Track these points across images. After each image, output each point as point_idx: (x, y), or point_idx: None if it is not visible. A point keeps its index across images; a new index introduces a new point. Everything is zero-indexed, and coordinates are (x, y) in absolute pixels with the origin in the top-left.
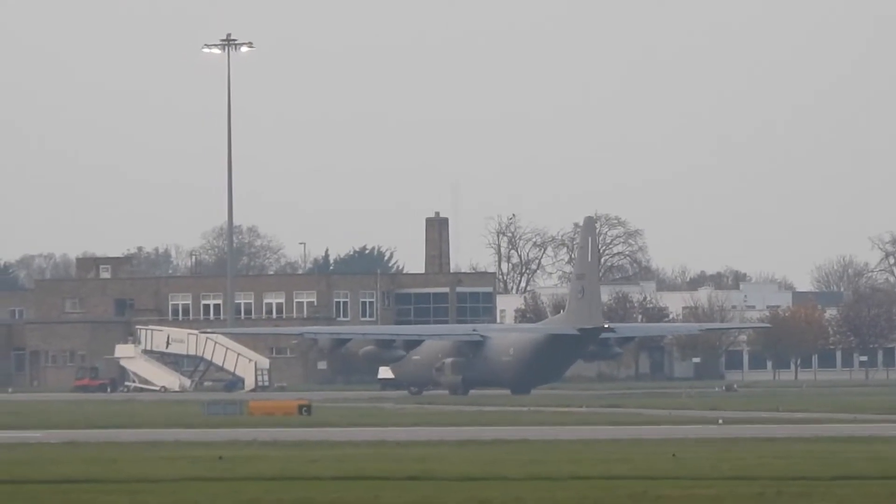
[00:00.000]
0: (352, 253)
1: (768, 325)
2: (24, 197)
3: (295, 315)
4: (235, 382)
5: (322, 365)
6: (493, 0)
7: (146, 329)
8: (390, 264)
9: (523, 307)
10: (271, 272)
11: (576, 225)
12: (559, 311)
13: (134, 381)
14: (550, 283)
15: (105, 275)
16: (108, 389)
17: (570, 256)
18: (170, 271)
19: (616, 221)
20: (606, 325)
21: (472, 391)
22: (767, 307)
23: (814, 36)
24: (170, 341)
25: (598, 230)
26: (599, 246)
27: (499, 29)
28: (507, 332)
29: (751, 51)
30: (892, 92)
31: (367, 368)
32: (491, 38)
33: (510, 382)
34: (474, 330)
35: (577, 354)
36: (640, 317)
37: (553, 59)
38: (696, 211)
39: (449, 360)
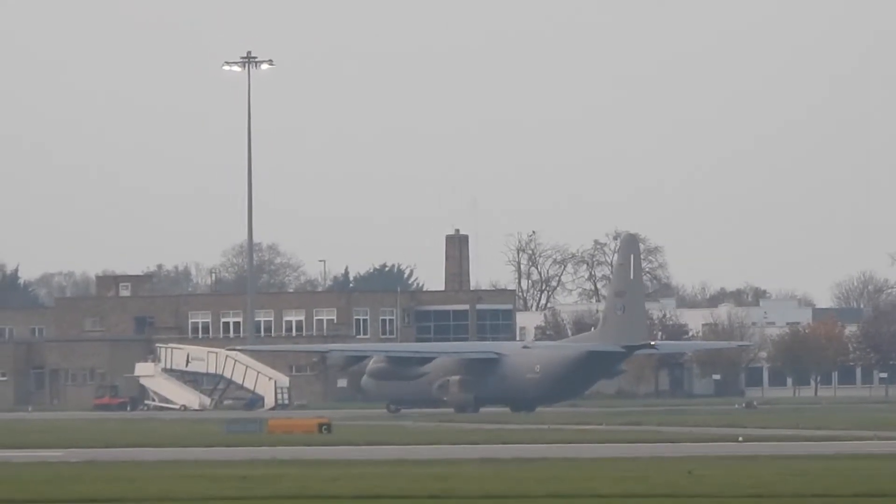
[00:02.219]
0: (372, 270)
1: (748, 343)
2: (43, 215)
3: (315, 332)
4: (255, 401)
5: (342, 383)
6: (508, 17)
7: (166, 347)
8: (410, 282)
9: (543, 324)
10: (291, 290)
11: (596, 242)
12: (579, 329)
13: (154, 400)
14: (570, 300)
15: (125, 293)
16: (128, 408)
17: (590, 273)
18: (190, 289)
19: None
20: (652, 343)
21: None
22: (787, 324)
23: (820, 49)
24: (190, 359)
25: (617, 247)
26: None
27: (515, 47)
28: (556, 348)
29: (765, 58)
30: None
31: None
32: (507, 57)
33: (534, 400)
34: (524, 346)
35: (605, 372)
36: (659, 334)
37: (574, 76)
38: (717, 228)
39: (456, 377)
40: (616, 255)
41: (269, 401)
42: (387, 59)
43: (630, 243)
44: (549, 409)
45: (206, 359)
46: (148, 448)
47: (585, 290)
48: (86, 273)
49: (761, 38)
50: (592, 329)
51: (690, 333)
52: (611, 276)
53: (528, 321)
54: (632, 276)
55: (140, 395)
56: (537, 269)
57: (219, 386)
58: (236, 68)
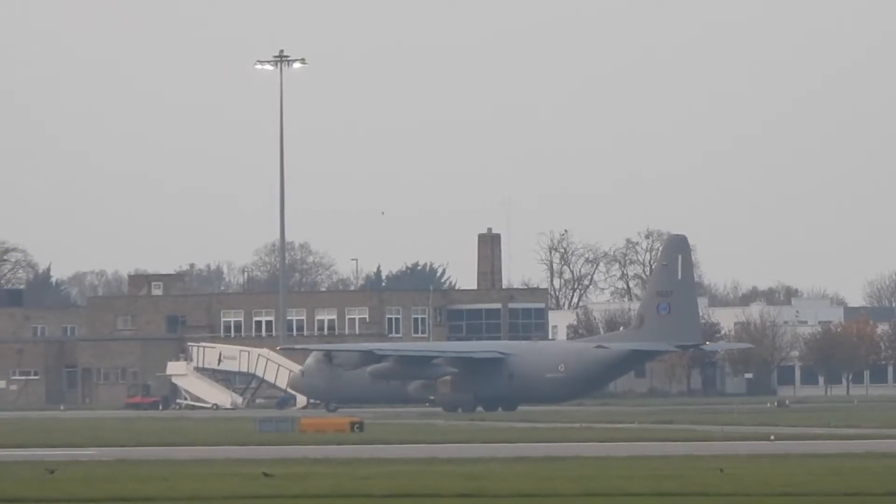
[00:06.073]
0: (404, 269)
1: (750, 345)
2: (75, 214)
3: (347, 331)
4: (287, 399)
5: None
6: (539, 11)
7: (198, 346)
8: (442, 280)
9: (575, 323)
10: (323, 288)
11: (628, 241)
12: (611, 328)
13: (186, 399)
14: (603, 298)
15: (157, 292)
16: (160, 407)
17: (623, 272)
18: (222, 288)
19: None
20: (707, 343)
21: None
22: (819, 322)
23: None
24: (222, 358)
25: (649, 246)
26: (651, 262)
27: (545, 49)
28: (625, 346)
29: (786, 43)
30: None
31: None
32: (537, 57)
33: (552, 398)
34: (598, 346)
35: (627, 370)
36: None
37: (603, 79)
38: (749, 226)
39: (447, 377)
40: (658, 254)
41: (302, 399)
42: (418, 55)
43: (677, 244)
44: (528, 407)
45: (238, 357)
46: (180, 447)
47: (618, 288)
48: (118, 272)
49: (783, 19)
50: (622, 328)
51: (722, 332)
52: (644, 276)
53: (560, 320)
54: (680, 277)
55: (172, 393)
56: (569, 267)
57: (251, 385)
58: (268, 67)
